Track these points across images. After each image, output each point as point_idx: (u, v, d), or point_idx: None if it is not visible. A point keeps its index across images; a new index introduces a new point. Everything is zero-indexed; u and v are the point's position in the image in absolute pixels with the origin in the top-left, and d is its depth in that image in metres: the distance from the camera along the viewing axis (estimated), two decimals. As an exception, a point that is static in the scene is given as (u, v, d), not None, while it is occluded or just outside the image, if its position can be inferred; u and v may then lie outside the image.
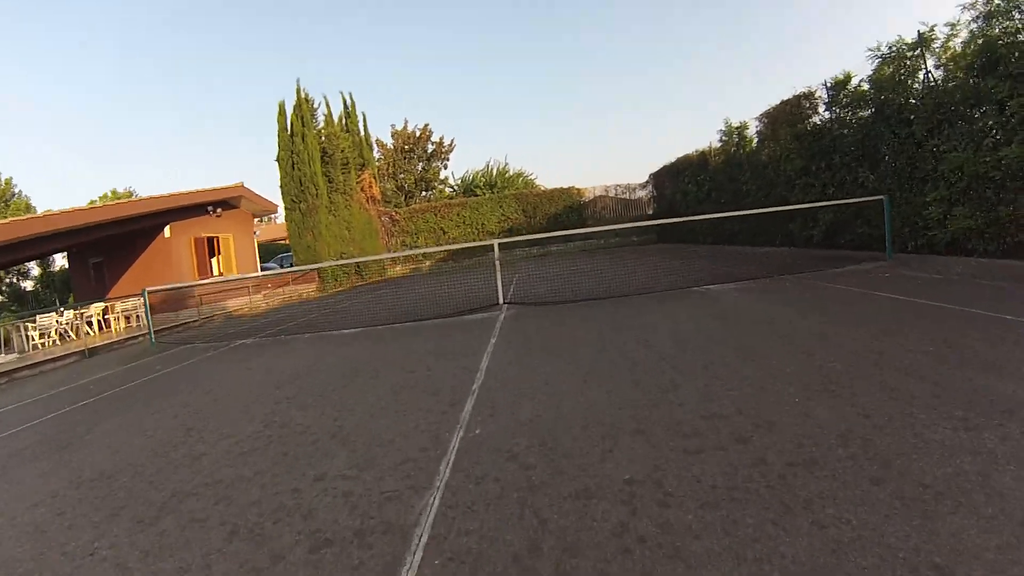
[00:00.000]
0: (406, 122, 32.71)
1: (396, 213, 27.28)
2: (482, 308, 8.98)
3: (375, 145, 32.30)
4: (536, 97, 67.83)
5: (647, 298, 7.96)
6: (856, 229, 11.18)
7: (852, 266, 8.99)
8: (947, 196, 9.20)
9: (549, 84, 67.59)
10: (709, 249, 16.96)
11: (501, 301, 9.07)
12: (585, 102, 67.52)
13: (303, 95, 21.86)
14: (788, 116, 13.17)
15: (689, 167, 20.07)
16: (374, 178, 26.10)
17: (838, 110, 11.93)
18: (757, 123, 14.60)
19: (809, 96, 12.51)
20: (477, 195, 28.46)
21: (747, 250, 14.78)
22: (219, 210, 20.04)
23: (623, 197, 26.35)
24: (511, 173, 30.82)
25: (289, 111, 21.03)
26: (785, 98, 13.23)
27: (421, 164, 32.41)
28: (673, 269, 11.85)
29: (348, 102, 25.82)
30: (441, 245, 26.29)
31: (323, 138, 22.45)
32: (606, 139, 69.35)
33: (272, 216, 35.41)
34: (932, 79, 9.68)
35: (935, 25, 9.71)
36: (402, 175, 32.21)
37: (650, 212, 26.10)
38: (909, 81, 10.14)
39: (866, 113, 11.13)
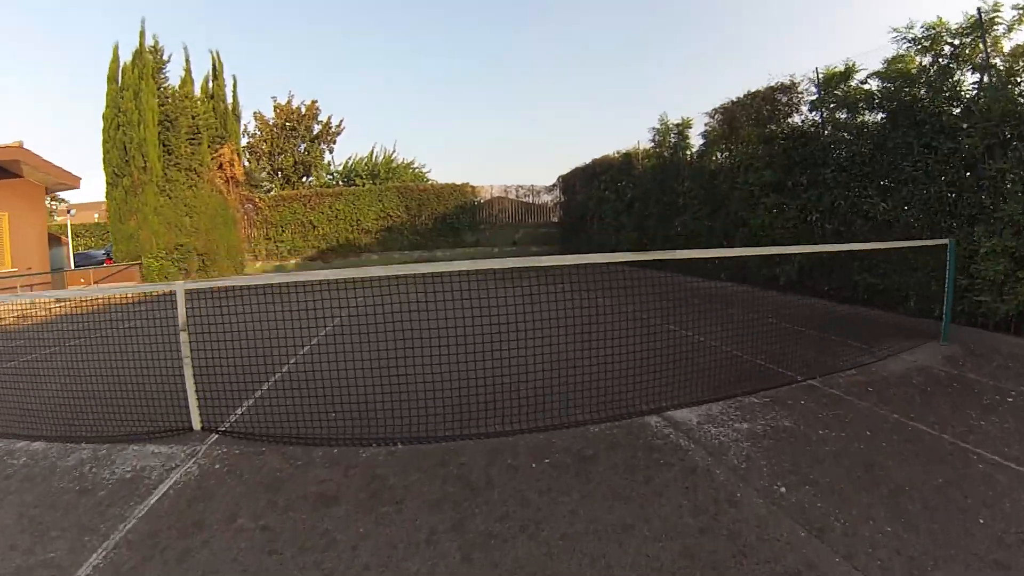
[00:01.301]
0: (291, 96, 26.03)
1: (259, 199, 21.01)
2: (167, 434, 3.79)
3: (254, 119, 25.62)
4: (438, 83, 62.27)
5: (555, 460, 3.15)
6: (852, 276, 8.03)
7: (904, 353, 5.35)
8: (1013, 248, 6.18)
9: (453, 71, 62.41)
10: (629, 276, 13.41)
11: (196, 424, 3.82)
12: (493, 94, 63.43)
13: (151, 41, 16.48)
14: (755, 113, 9.88)
15: (608, 170, 16.58)
16: (237, 155, 19.92)
17: (826, 111, 8.79)
18: (708, 120, 11.26)
19: (789, 89, 9.28)
20: (357, 185, 22.96)
21: (681, 283, 11.35)
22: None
23: (525, 200, 22.44)
24: (399, 162, 25.61)
25: (126, 57, 15.60)
26: (754, 89, 9.93)
27: (304, 145, 26.08)
28: (590, 324, 7.88)
29: (216, 62, 19.79)
30: (308, 240, 20.79)
31: (168, 99, 16.60)
32: (514, 135, 65.71)
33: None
34: (997, 75, 6.64)
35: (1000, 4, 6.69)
36: (281, 155, 25.66)
37: (555, 219, 22.53)
38: (956, 77, 7.08)
39: (876, 117, 8.03)
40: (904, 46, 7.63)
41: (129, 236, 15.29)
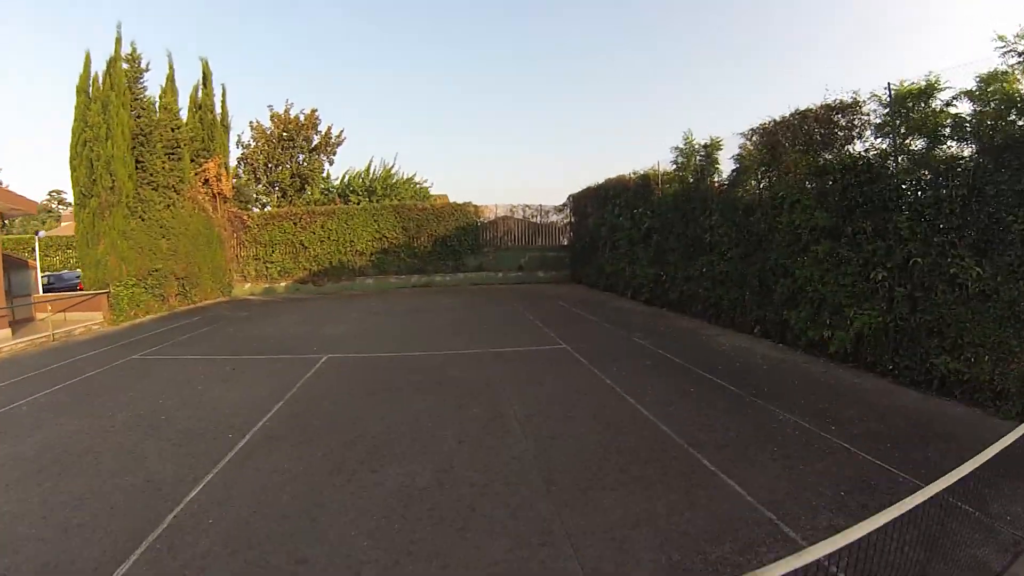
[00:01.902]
0: (289, 104, 24.74)
1: (248, 217, 19.82)
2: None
3: (250, 129, 24.61)
4: (446, 95, 60.97)
5: None
6: (928, 356, 6.20)
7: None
8: None
9: (461, 82, 61.11)
10: (645, 318, 11.68)
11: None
12: (504, 107, 61.97)
13: (128, 48, 15.44)
14: (805, 137, 8.10)
15: (623, 193, 14.88)
16: (225, 169, 18.73)
17: (898, 139, 6.99)
18: (743, 141, 9.50)
19: (850, 108, 7.48)
20: (352, 202, 21.51)
21: (706, 336, 9.60)
22: None
23: (533, 221, 20.81)
24: (399, 178, 23.99)
25: (99, 67, 14.31)
26: (803, 107, 8.15)
27: (302, 156, 24.85)
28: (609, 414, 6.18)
29: (205, 69, 18.64)
30: (299, 261, 19.32)
31: (144, 110, 15.39)
32: (525, 151, 63.88)
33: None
34: None
35: None
36: (278, 168, 24.46)
37: (565, 242, 20.86)
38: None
39: (967, 151, 6.22)
40: (1012, 60, 5.83)
41: (97, 262, 13.99)
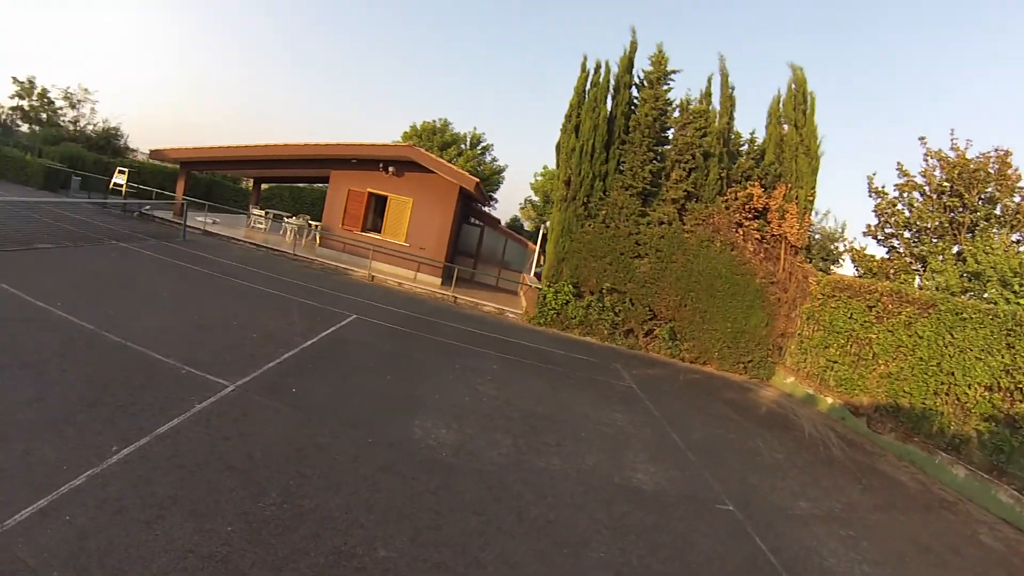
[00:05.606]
0: (963, 145, 14.42)
1: (814, 277, 13.47)
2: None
3: (900, 174, 15.60)
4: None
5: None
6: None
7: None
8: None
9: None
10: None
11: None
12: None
13: (653, 50, 14.25)
14: None
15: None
16: (797, 205, 13.91)
17: None
18: None
19: None
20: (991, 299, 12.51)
21: None
22: (391, 169, 16.47)
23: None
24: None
25: (615, 68, 14.31)
26: None
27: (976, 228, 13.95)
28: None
29: (798, 78, 14.76)
30: (863, 374, 11.39)
31: (636, 106, 14.32)
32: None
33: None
34: None
35: None
36: (936, 241, 14.52)
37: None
38: None
39: None
40: None
41: (552, 255, 14.09)
